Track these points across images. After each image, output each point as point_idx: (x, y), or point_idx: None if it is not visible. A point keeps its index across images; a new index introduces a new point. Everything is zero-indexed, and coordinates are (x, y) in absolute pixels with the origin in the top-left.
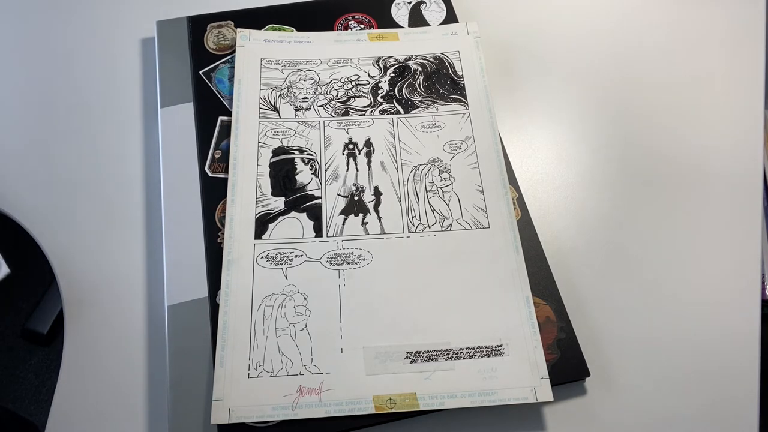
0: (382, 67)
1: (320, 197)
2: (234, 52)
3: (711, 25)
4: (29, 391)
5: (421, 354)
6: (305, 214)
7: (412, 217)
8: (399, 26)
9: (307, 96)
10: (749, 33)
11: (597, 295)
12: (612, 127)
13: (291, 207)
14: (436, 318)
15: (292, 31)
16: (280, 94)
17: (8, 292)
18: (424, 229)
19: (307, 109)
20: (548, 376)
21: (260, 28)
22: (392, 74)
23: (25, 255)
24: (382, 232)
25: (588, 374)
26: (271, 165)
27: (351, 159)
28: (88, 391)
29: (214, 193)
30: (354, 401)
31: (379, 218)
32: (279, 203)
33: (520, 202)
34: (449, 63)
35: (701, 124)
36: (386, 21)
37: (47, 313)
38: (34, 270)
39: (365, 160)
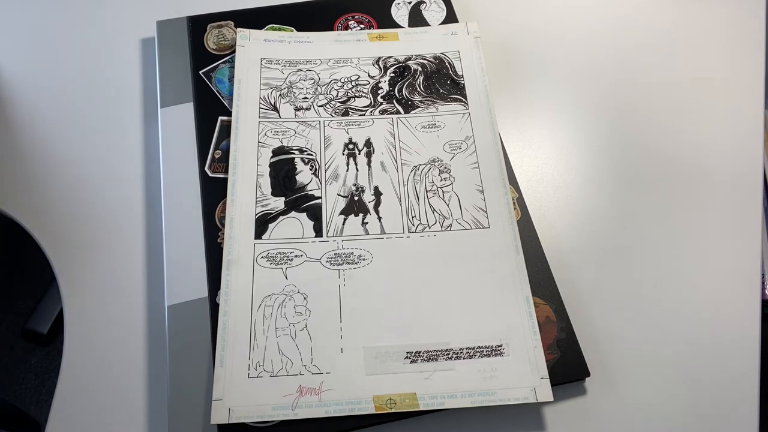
0: (382, 67)
1: (320, 197)
2: (234, 52)
3: (711, 25)
4: (29, 391)
5: (421, 354)
6: (305, 214)
7: (412, 217)
8: (399, 26)
9: (307, 96)
10: (749, 33)
11: (597, 295)
12: (612, 127)
13: (291, 207)
14: (436, 318)
15: (292, 31)
16: (280, 94)
17: (8, 292)
18: (424, 229)
19: (307, 109)
20: (548, 376)
21: (260, 28)
22: (392, 74)
23: (25, 255)
24: (382, 232)
25: (588, 374)
26: (271, 165)
27: (351, 159)
28: (88, 391)
29: (214, 193)
30: (354, 401)
31: (379, 218)
32: (279, 203)
33: (520, 202)
34: (449, 63)
35: (701, 124)
36: (386, 21)
37: (47, 313)
38: (34, 270)
39: (365, 160)
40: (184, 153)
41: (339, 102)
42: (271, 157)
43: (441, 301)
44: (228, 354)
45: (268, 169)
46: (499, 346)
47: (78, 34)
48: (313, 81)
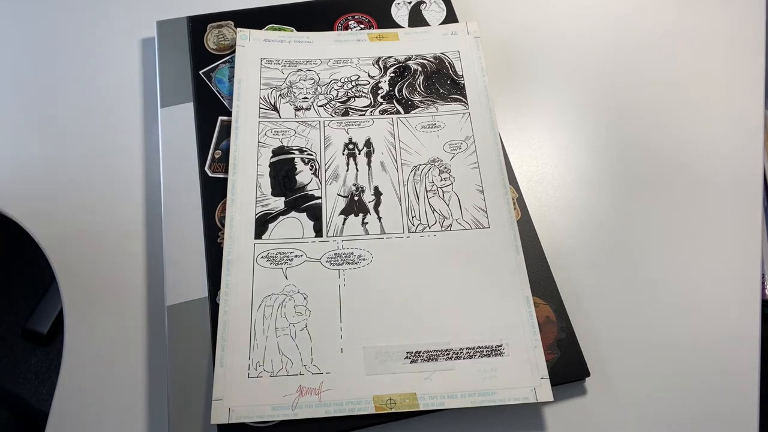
0: (382, 67)
1: (320, 197)
2: (234, 52)
3: (711, 25)
4: (29, 391)
5: (421, 354)
6: (305, 214)
7: (412, 217)
8: (399, 26)
9: (307, 96)
10: (749, 33)
11: (597, 295)
12: (612, 127)
13: (291, 207)
14: (436, 318)
15: (292, 31)
16: (280, 94)
17: (8, 292)
18: (424, 229)
19: (307, 109)
20: (548, 376)
21: (260, 28)
22: (392, 74)
23: (25, 255)
24: (382, 232)
25: (588, 374)
26: (271, 165)
27: (351, 159)
28: (88, 391)
29: (214, 193)
30: (354, 401)
31: (379, 218)
32: (279, 203)
33: (520, 202)
34: (449, 63)
35: (701, 124)
36: (386, 21)
37: (47, 313)
38: (34, 270)
39: (365, 160)
40: (184, 153)
41: (339, 102)
42: (271, 157)
43: (441, 301)
44: (228, 354)
45: (268, 169)
46: (499, 346)
47: (78, 34)
48: (313, 81)
